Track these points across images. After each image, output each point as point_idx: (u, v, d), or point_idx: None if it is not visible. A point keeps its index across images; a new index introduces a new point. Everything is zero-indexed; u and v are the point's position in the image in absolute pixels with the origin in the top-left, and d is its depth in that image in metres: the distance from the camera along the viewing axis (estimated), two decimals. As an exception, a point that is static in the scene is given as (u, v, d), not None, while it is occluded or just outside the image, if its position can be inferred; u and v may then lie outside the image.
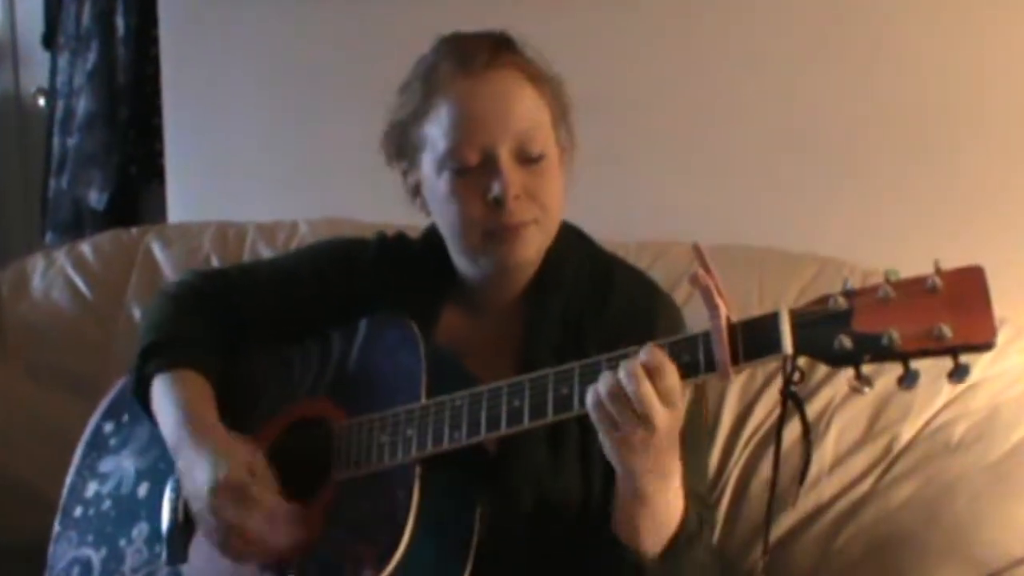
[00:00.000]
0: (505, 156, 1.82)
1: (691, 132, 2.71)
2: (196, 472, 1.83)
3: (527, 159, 1.84)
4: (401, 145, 1.95)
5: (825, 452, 2.21)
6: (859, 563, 2.12)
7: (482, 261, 1.90)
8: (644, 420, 1.54)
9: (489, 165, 1.83)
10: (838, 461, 2.21)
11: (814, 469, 2.18)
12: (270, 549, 1.79)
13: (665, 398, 1.54)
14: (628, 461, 1.61)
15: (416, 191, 1.96)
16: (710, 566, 1.79)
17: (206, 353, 1.99)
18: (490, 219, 1.83)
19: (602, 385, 1.56)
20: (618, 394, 1.54)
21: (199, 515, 1.83)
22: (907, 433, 2.19)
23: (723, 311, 1.50)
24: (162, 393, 1.94)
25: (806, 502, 2.19)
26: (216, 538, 1.81)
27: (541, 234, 1.87)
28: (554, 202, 1.88)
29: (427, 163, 1.89)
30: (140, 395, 1.99)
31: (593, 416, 1.58)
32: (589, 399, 1.57)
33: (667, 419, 1.56)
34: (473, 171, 1.84)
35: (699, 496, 1.82)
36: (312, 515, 1.80)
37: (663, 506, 1.67)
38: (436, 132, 1.86)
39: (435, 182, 1.88)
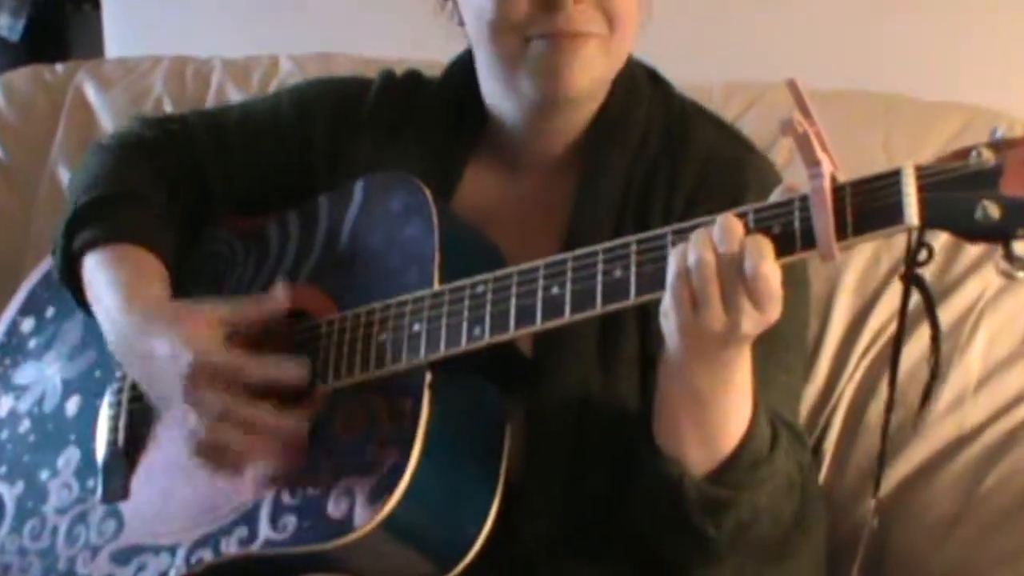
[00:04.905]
0: None
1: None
2: (156, 364, 1.81)
3: None
4: None
5: (971, 364, 2.21)
6: (1014, 511, 2.12)
7: (523, 84, 1.86)
8: (753, 295, 1.50)
9: None
10: (988, 376, 2.21)
11: (957, 386, 2.19)
12: (263, 453, 1.77)
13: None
14: (696, 357, 1.60)
15: None
16: (786, 509, 1.79)
17: (152, 217, 2.00)
18: (538, 23, 1.80)
19: (693, 247, 1.52)
20: (711, 260, 1.51)
21: (175, 422, 1.81)
22: (1083, 342, 2.21)
23: (827, 167, 1.48)
24: (96, 275, 1.95)
25: (943, 430, 2.19)
26: (198, 445, 1.76)
27: (605, 58, 1.85)
28: (628, 19, 1.85)
29: None
30: (68, 278, 2.00)
31: (670, 287, 1.54)
32: (672, 265, 1.54)
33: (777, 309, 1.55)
34: None
35: (785, 422, 1.81)
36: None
37: (717, 411, 1.66)
38: None
39: None
